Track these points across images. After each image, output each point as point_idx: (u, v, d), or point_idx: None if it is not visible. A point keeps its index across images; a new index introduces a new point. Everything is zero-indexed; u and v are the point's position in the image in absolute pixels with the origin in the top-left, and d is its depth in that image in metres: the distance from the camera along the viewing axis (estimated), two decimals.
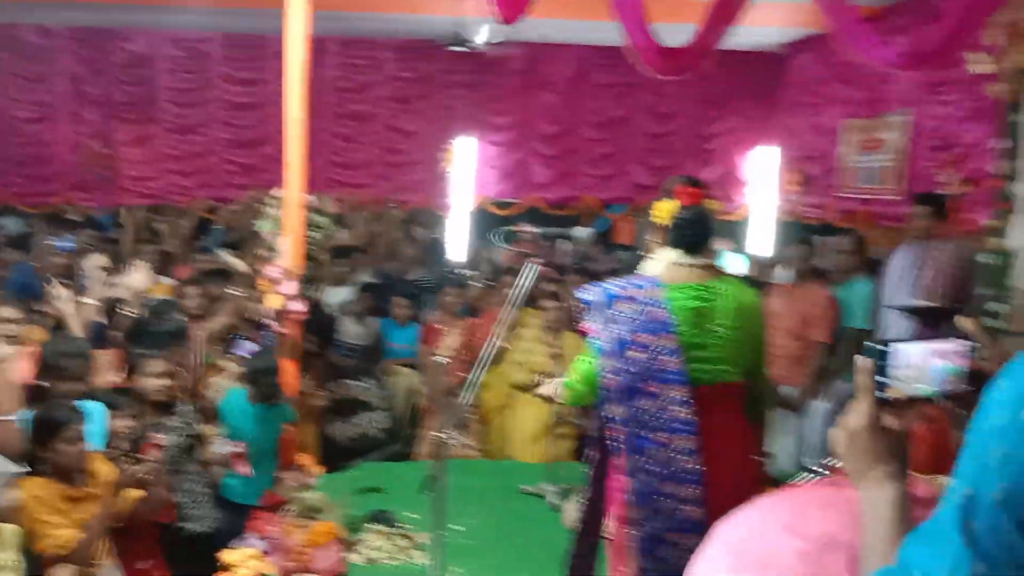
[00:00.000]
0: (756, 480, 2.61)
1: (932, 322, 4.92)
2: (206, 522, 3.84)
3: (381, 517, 3.98)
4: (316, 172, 8.28)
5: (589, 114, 8.73)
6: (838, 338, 5.15)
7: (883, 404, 1.14)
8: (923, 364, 1.17)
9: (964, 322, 1.22)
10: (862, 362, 1.14)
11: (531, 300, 5.44)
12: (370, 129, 8.60)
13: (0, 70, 8.08)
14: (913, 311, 4.87)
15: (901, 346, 1.14)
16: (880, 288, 5.24)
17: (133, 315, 4.41)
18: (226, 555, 3.50)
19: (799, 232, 8.87)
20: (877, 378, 1.13)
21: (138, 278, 4.48)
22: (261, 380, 4.03)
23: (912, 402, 1.17)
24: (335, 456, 5.18)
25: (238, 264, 4.62)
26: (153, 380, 3.76)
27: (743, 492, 2.19)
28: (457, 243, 8.64)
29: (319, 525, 3.65)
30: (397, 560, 3.70)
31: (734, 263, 9.21)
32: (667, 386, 2.41)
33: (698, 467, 2.38)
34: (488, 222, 9.39)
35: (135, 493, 3.19)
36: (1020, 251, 4.12)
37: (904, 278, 5.01)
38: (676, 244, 2.53)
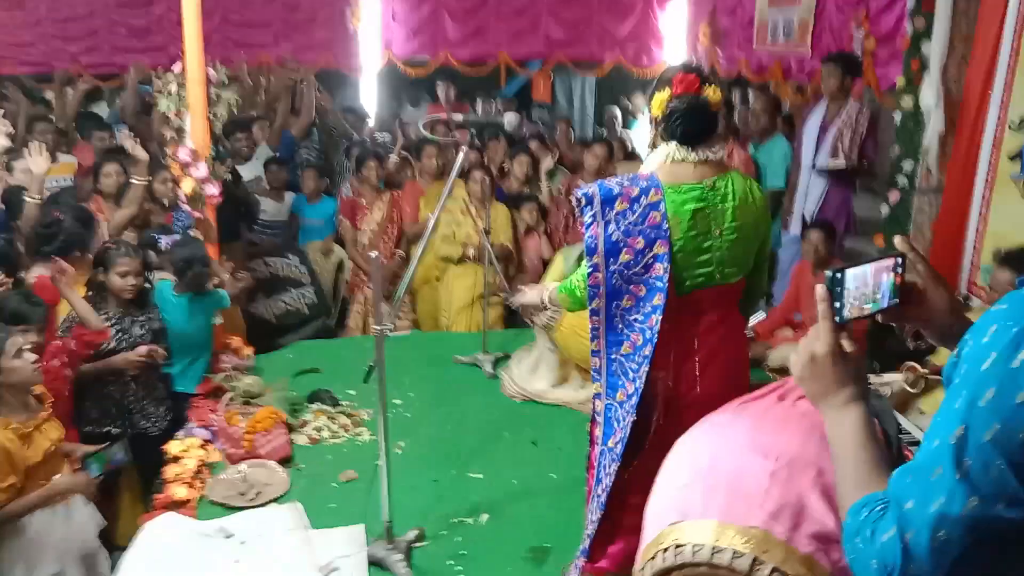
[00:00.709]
0: (745, 374, 2.70)
1: (845, 180, 5.14)
2: (158, 421, 3.83)
3: (322, 397, 4.05)
4: (211, 33, 7.91)
5: None
6: None
7: (841, 327, 1.21)
8: (871, 283, 1.25)
9: (898, 241, 1.27)
10: (820, 291, 1.19)
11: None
12: None
13: None
14: (828, 171, 5.06)
15: (850, 271, 1.22)
16: (795, 147, 5.37)
17: (36, 202, 4.18)
18: (171, 446, 3.53)
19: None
20: (835, 304, 1.20)
21: (38, 162, 4.21)
22: (190, 270, 3.93)
23: (861, 320, 1.25)
24: (265, 335, 5.18)
25: (139, 152, 4.39)
26: (122, 280, 3.65)
27: (734, 387, 2.32)
28: (368, 106, 8.37)
29: (262, 410, 3.68)
30: (341, 438, 3.79)
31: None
32: (649, 291, 2.39)
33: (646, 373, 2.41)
34: (399, 83, 9.09)
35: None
36: (931, 109, 4.24)
37: (817, 137, 5.15)
38: (672, 137, 2.38)
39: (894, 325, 1.33)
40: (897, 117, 4.63)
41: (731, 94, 8.55)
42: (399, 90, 8.86)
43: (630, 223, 2.35)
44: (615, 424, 2.51)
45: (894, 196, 4.61)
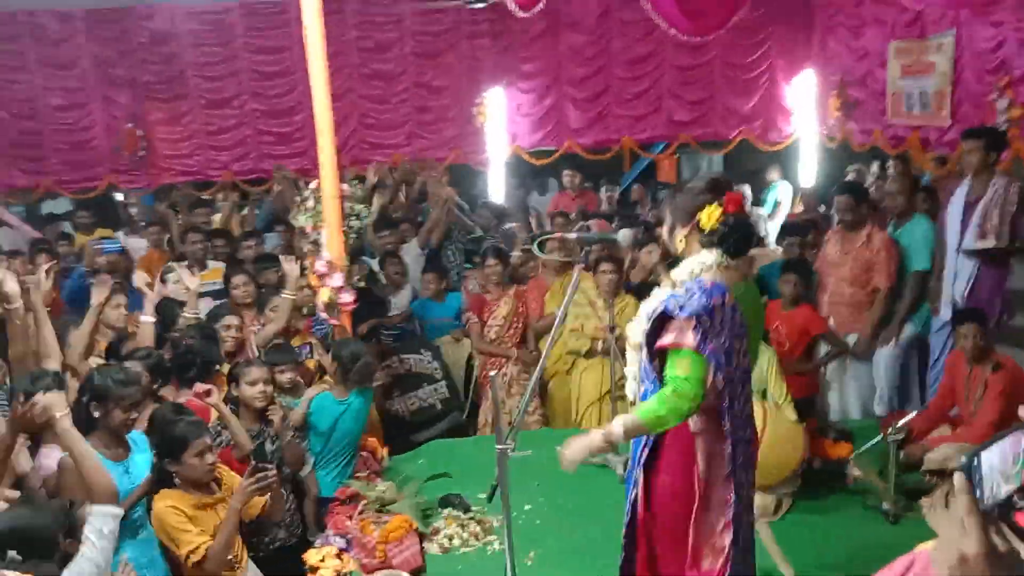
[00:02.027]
0: None
1: (997, 260, 4.81)
2: (294, 529, 3.94)
3: (453, 502, 4.05)
4: (348, 137, 8.39)
5: (618, 52, 8.51)
6: (900, 282, 5.03)
7: (993, 520, 1.10)
8: (1005, 463, 1.14)
9: (1022, 411, 1.16)
10: (959, 482, 1.09)
11: (585, 265, 5.40)
12: (399, 88, 8.47)
13: (26, 60, 8.08)
14: (976, 252, 4.75)
15: (984, 453, 1.11)
16: (939, 226, 5.09)
17: (193, 318, 4.46)
18: (309, 555, 3.60)
19: (846, 160, 8.66)
20: (976, 492, 1.09)
21: (191, 280, 4.52)
22: (357, 363, 4.13)
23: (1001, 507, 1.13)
24: (399, 433, 5.28)
25: (291, 267, 4.61)
26: (252, 388, 3.84)
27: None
28: (496, 195, 8.59)
29: (394, 519, 3.72)
30: (472, 547, 3.77)
31: (784, 194, 9.05)
32: (746, 384, 2.67)
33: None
34: (525, 171, 9.31)
35: (259, 499, 3.26)
36: None
37: (963, 216, 4.86)
38: (724, 249, 2.59)
39: None
40: None
41: (862, 166, 8.27)
42: (526, 178, 9.06)
43: (731, 329, 2.56)
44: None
45: None
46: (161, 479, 3.10)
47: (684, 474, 2.66)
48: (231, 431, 3.67)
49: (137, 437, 3.33)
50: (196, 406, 3.75)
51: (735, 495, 2.62)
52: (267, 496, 3.24)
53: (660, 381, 2.62)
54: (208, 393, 3.61)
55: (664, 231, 2.77)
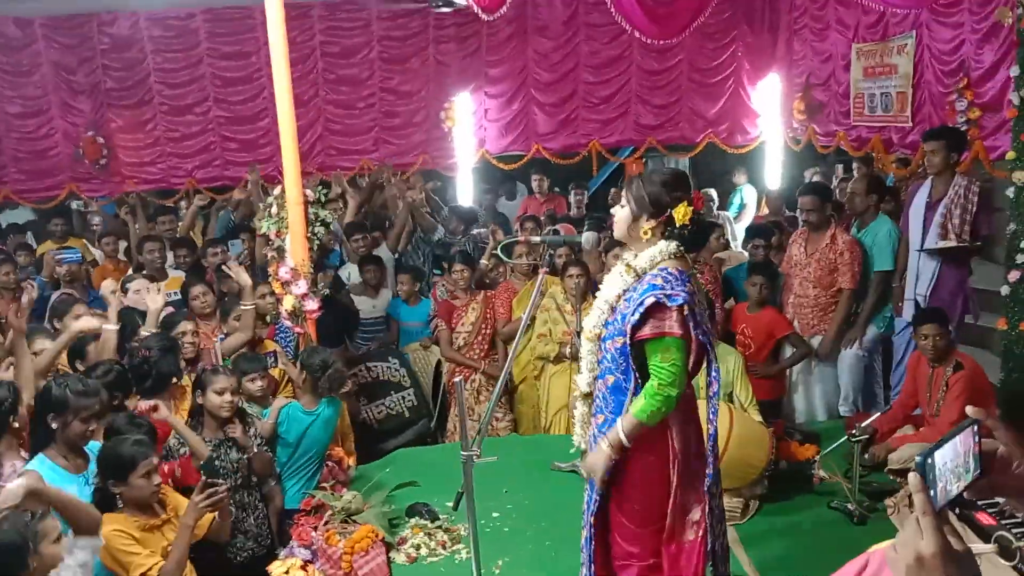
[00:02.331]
0: None
1: (958, 259, 4.86)
2: (264, 540, 3.88)
3: (420, 511, 4.02)
4: (315, 142, 8.32)
5: (585, 57, 8.50)
6: (864, 283, 5.07)
7: (947, 520, 1.09)
8: (957, 460, 1.14)
9: (970, 410, 1.17)
10: (915, 480, 1.08)
11: (552, 270, 5.39)
12: (365, 93, 8.41)
13: None
14: (938, 251, 4.80)
15: (938, 452, 1.11)
16: (902, 227, 5.14)
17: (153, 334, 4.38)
18: (274, 567, 3.55)
19: (811, 163, 8.74)
20: (931, 492, 1.09)
21: (154, 299, 4.42)
22: (326, 371, 4.12)
23: (953, 503, 1.14)
24: (367, 440, 5.22)
25: (243, 277, 4.53)
26: (218, 397, 3.78)
27: None
28: (464, 200, 8.56)
29: (360, 529, 3.68)
30: (439, 556, 3.74)
31: (749, 196, 9.11)
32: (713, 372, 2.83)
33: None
34: (494, 176, 9.28)
35: (207, 517, 3.19)
36: None
37: (924, 216, 4.91)
38: (682, 242, 2.74)
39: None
40: (1011, 191, 4.37)
41: (830, 170, 8.35)
42: (495, 183, 9.02)
43: (700, 312, 2.69)
44: None
45: (1014, 275, 4.32)
46: (104, 501, 2.98)
47: (660, 455, 2.74)
48: (188, 443, 3.62)
49: (95, 448, 3.26)
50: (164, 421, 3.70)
51: (711, 468, 2.77)
52: (215, 514, 3.18)
53: (630, 370, 2.69)
54: (155, 408, 3.55)
55: (623, 219, 2.81)
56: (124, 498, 2.97)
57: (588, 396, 2.90)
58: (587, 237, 3.02)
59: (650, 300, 2.61)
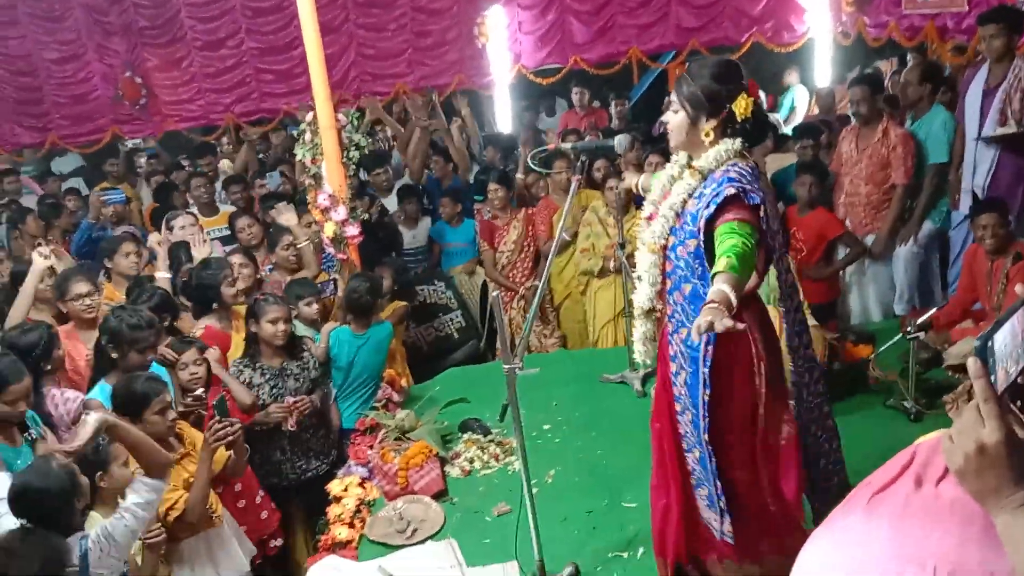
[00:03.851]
0: None
1: (1018, 148, 4.63)
2: (327, 458, 4.01)
3: (472, 426, 4.07)
4: (349, 68, 8.21)
5: None
6: (919, 177, 4.87)
7: (1010, 408, 1.02)
8: (1016, 340, 1.06)
9: (1019, 288, 1.08)
10: (973, 366, 1.01)
11: (591, 182, 5.29)
12: (396, 14, 8.22)
13: (17, 14, 7.95)
14: (996, 139, 4.58)
15: (996, 335, 1.03)
16: (958, 117, 4.90)
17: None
18: (332, 486, 3.65)
19: (863, 58, 8.35)
20: (992, 377, 1.02)
21: (200, 251, 4.52)
22: (351, 300, 4.23)
23: (1014, 389, 1.05)
24: (418, 363, 5.28)
25: (289, 217, 4.58)
26: (271, 327, 3.86)
27: None
28: (503, 119, 8.41)
29: (414, 446, 3.74)
30: (493, 468, 3.79)
31: (800, 98, 8.78)
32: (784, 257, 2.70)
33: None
34: (533, 92, 9.08)
35: (222, 453, 3.29)
36: None
37: (982, 104, 4.67)
38: (748, 136, 2.55)
39: None
40: None
41: (880, 62, 7.98)
42: (535, 100, 8.83)
43: (771, 207, 2.52)
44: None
45: None
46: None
47: (744, 363, 2.57)
48: (231, 390, 3.73)
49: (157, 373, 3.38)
50: (212, 333, 3.82)
51: (794, 363, 2.71)
52: (230, 451, 3.26)
53: (708, 273, 2.44)
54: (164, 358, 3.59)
55: (680, 124, 2.56)
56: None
57: (650, 312, 2.70)
58: (619, 140, 2.86)
59: (730, 191, 2.39)
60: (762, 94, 8.10)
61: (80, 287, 3.90)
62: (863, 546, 1.24)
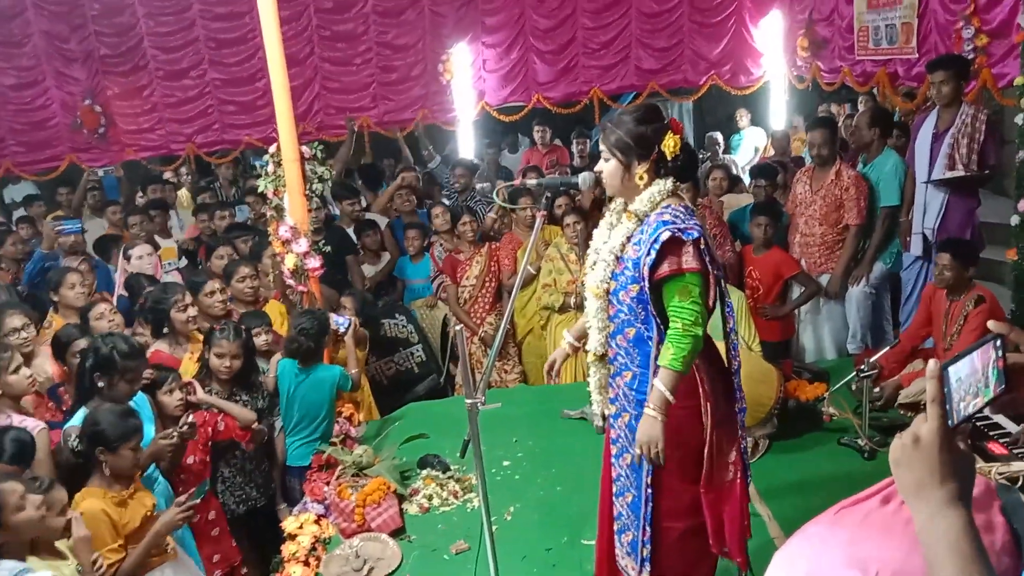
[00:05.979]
0: None
1: (966, 190, 4.78)
2: (266, 491, 3.96)
3: (431, 462, 4.04)
4: (312, 101, 8.23)
5: (584, 1, 8.31)
6: (871, 219, 5.00)
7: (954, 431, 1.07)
8: (974, 376, 1.12)
9: (991, 324, 1.16)
10: (932, 368, 1.06)
11: (552, 219, 5.33)
12: (361, 49, 8.28)
13: None
14: (945, 183, 4.73)
15: (951, 368, 1.08)
16: (908, 160, 5.05)
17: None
18: (287, 523, 3.59)
19: (816, 101, 8.59)
20: (946, 405, 1.07)
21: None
22: (288, 339, 4.18)
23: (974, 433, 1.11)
24: (378, 398, 5.24)
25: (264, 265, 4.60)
26: (217, 360, 3.85)
27: None
28: (466, 154, 8.47)
29: (371, 482, 3.70)
30: (451, 506, 3.76)
31: (755, 137, 8.98)
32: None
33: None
34: (495, 129, 9.17)
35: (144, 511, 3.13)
36: None
37: (931, 148, 4.82)
38: (679, 173, 2.64)
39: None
40: (1020, 118, 4.28)
41: (833, 105, 8.21)
42: (497, 136, 8.91)
43: (712, 247, 2.60)
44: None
45: (1023, 205, 4.25)
46: (85, 466, 3.04)
47: (692, 400, 2.60)
48: (232, 414, 3.75)
49: (139, 400, 3.41)
50: (160, 357, 3.79)
51: (740, 404, 2.73)
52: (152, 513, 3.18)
53: (651, 317, 2.54)
54: (189, 386, 3.63)
55: (613, 172, 2.63)
56: (109, 466, 2.99)
57: (602, 358, 2.74)
58: (584, 177, 2.89)
59: (665, 235, 2.45)
60: (719, 137, 8.35)
61: (14, 321, 3.82)
62: (821, 550, 1.34)
